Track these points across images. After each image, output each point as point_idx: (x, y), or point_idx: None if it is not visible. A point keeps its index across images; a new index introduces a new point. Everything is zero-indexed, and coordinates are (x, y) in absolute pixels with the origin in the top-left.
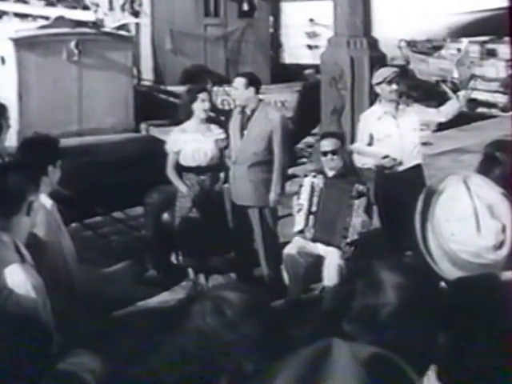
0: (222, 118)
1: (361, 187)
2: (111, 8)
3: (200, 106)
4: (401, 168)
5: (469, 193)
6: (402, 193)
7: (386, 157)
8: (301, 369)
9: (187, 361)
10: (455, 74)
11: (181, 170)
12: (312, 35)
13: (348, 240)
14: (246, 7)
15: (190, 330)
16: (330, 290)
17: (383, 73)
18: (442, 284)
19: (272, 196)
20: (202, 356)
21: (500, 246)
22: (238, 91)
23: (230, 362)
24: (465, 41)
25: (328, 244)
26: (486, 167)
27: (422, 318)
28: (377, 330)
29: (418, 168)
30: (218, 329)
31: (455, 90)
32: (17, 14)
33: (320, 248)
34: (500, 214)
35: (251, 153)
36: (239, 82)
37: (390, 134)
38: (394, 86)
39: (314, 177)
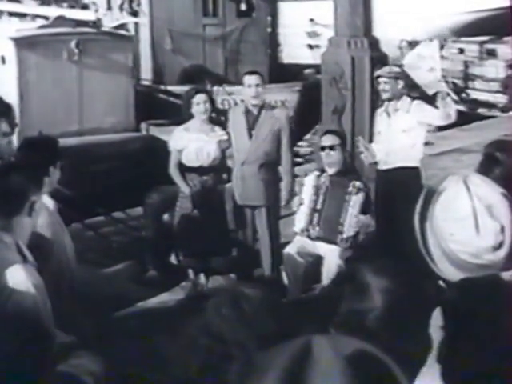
0: (222, 119)
1: (358, 183)
2: (109, 8)
3: (195, 109)
4: (385, 167)
5: (468, 193)
6: (391, 193)
7: (361, 152)
8: (284, 370)
9: (198, 352)
10: (416, 80)
11: (183, 170)
12: (313, 35)
13: (344, 236)
14: (244, 7)
15: (203, 321)
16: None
17: (379, 71)
18: (441, 283)
19: (284, 195)
20: (213, 346)
21: (499, 246)
22: (258, 88)
23: (241, 353)
24: (423, 43)
25: (329, 242)
26: (486, 167)
27: (409, 321)
28: (364, 335)
29: (409, 170)
30: (233, 320)
31: (456, 90)
32: (15, 14)
33: (320, 248)
34: (499, 215)
35: (262, 152)
36: (257, 79)
37: (380, 131)
38: (384, 86)
39: (318, 176)
